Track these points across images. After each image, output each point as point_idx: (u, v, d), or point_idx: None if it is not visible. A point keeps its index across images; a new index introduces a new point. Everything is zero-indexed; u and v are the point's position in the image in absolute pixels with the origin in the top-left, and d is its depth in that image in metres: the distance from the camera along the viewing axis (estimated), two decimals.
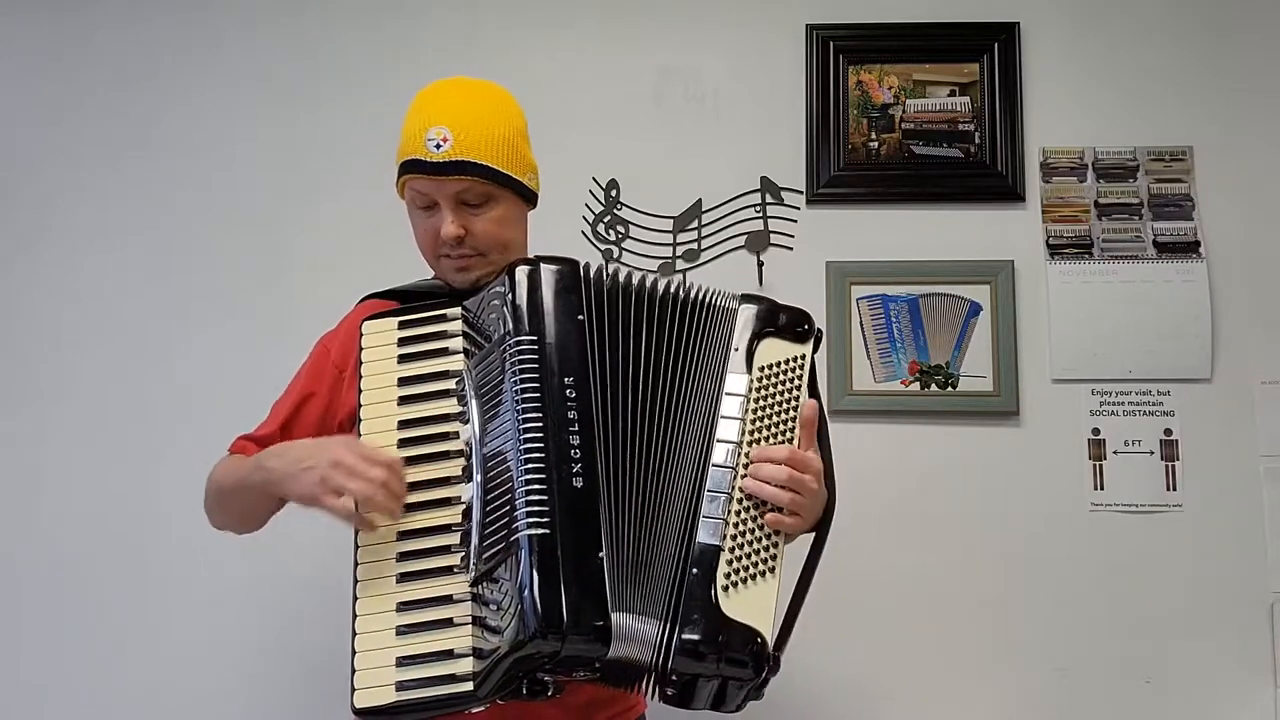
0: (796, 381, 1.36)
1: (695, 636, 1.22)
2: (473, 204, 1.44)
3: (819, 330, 1.42)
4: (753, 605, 1.24)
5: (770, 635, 1.24)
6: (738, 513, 1.29)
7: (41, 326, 2.24)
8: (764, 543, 1.28)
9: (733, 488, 1.30)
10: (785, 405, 1.35)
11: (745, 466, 1.31)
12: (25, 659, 2.15)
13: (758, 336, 1.38)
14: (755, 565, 1.27)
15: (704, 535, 1.27)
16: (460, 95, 1.48)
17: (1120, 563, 2.07)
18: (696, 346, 1.37)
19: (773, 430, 1.33)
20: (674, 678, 1.23)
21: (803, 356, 1.38)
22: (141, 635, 2.14)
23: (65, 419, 2.21)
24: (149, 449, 2.18)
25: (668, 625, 1.23)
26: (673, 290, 1.39)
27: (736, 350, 1.37)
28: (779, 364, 1.37)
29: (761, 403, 1.34)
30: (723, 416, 1.33)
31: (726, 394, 1.34)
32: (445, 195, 1.42)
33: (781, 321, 1.40)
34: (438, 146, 1.41)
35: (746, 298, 1.42)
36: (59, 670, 2.14)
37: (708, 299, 1.40)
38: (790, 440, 1.33)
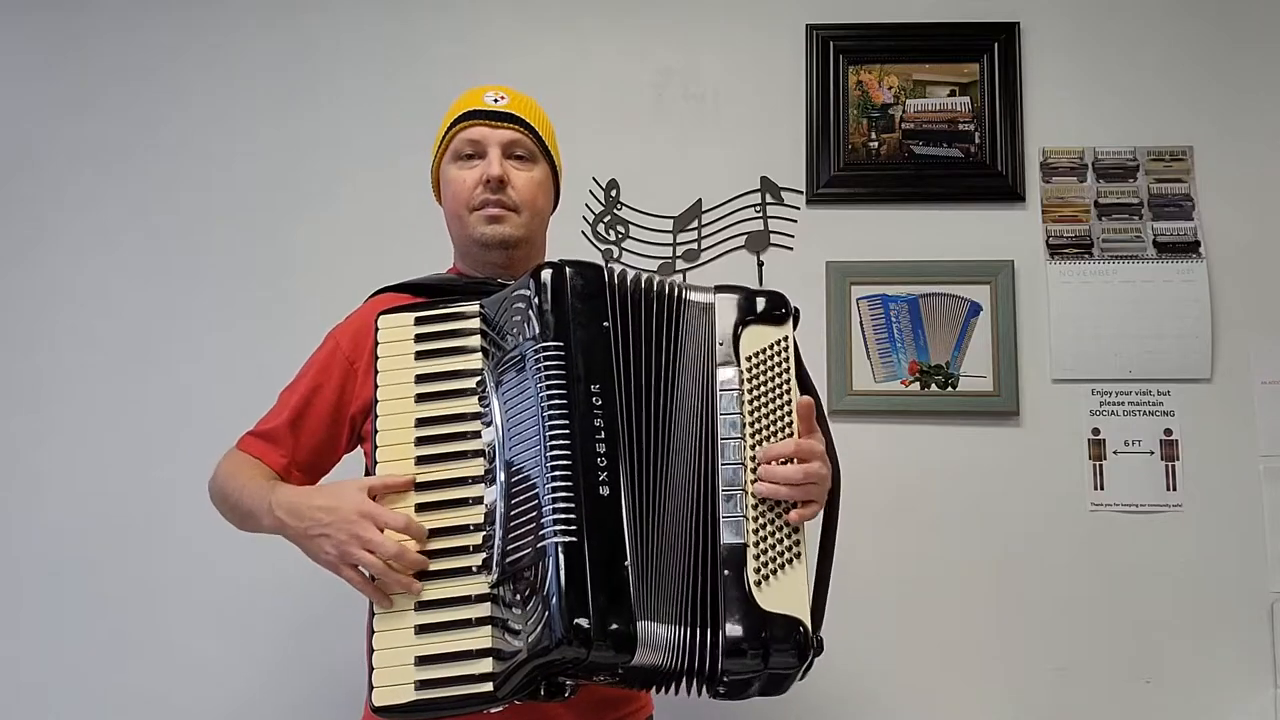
0: (785, 365, 1.37)
1: (739, 635, 1.24)
2: (520, 157, 1.53)
3: (795, 309, 1.42)
4: (787, 594, 1.27)
5: (808, 619, 1.27)
6: (755, 506, 1.30)
7: (42, 327, 2.24)
8: (786, 530, 1.31)
9: (746, 482, 1.31)
10: (779, 391, 1.36)
11: (753, 459, 1.32)
12: (25, 660, 2.14)
13: (740, 326, 1.38)
14: (782, 554, 1.29)
15: (728, 535, 1.28)
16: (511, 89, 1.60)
17: (1120, 563, 2.07)
18: (686, 344, 1.37)
19: (772, 419, 1.34)
20: (725, 678, 1.25)
21: (785, 339, 1.39)
22: (144, 637, 2.13)
23: (66, 419, 2.20)
24: (150, 450, 2.18)
25: (703, 629, 1.24)
26: (661, 288, 1.39)
27: (721, 344, 1.37)
28: (765, 350, 1.38)
29: (756, 392, 1.35)
30: (722, 413, 1.34)
31: (721, 389, 1.35)
32: (497, 141, 1.52)
33: (760, 307, 1.40)
34: (496, 101, 1.54)
35: (720, 288, 1.42)
36: (59, 672, 2.13)
37: (690, 295, 1.40)
38: (790, 424, 1.35)
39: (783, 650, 1.25)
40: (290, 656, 2.12)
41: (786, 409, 1.35)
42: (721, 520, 1.29)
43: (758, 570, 1.27)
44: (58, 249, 2.26)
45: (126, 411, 2.20)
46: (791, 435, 1.35)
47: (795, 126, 2.21)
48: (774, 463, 1.32)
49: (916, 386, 2.13)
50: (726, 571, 1.27)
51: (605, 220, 2.21)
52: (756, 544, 1.28)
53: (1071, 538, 2.08)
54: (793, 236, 2.19)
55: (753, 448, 1.33)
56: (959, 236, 2.16)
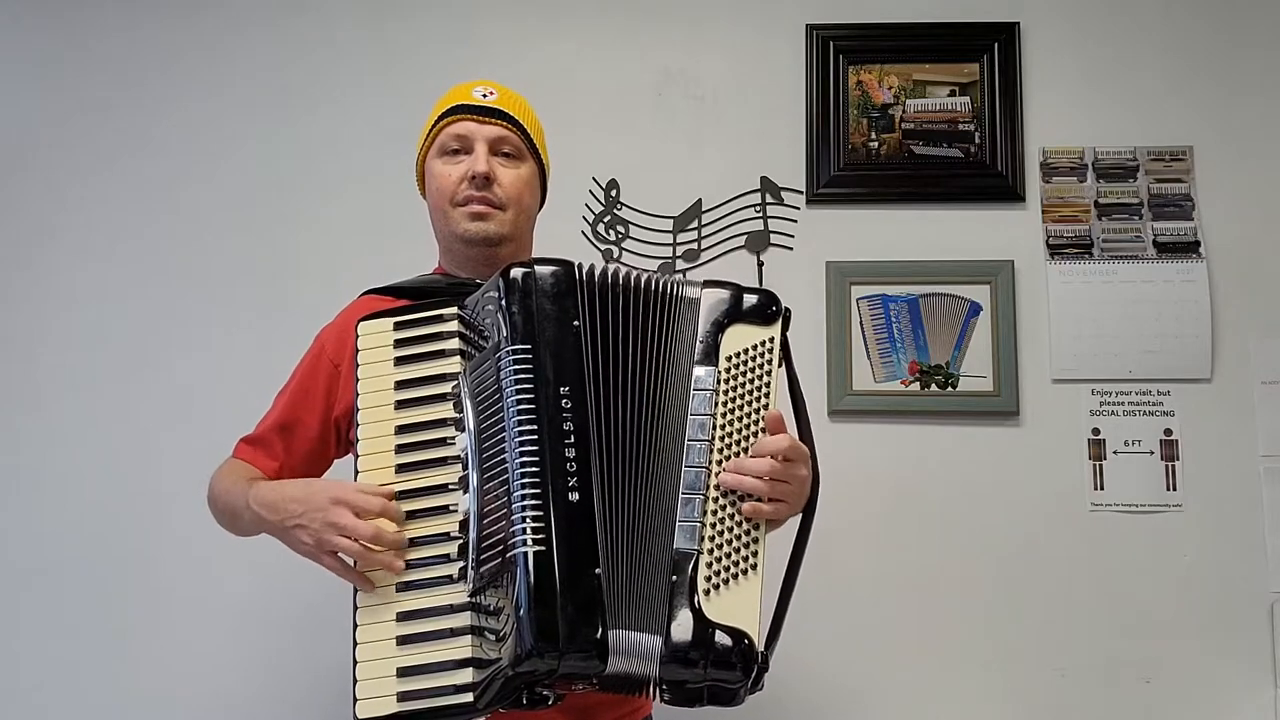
0: (767, 366, 1.33)
1: (681, 643, 1.21)
2: (506, 154, 1.52)
3: (786, 309, 1.37)
4: (737, 606, 1.24)
5: (758, 633, 1.24)
6: (714, 512, 1.27)
7: (43, 328, 2.24)
8: (743, 540, 1.27)
9: (708, 487, 1.28)
10: (757, 393, 1.32)
11: (719, 463, 1.28)
12: (25, 660, 2.15)
13: (723, 323, 1.34)
14: (736, 564, 1.26)
15: (681, 540, 1.25)
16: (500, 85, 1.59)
17: (1120, 563, 2.07)
18: (667, 341, 1.33)
19: (745, 424, 1.31)
20: (664, 686, 1.24)
21: (771, 339, 1.34)
22: (142, 641, 2.13)
23: (66, 419, 2.20)
24: (150, 449, 2.18)
25: (652, 635, 1.22)
26: (647, 284, 1.35)
27: (702, 341, 1.33)
28: (747, 350, 1.34)
29: (732, 394, 1.31)
30: (691, 413, 1.30)
31: (695, 389, 1.31)
32: (485, 137, 1.51)
33: (746, 305, 1.36)
34: (485, 96, 1.52)
35: (709, 283, 1.38)
36: (58, 671, 2.14)
37: (675, 289, 1.36)
38: (761, 428, 1.31)
39: (724, 663, 1.21)
40: (288, 656, 2.12)
41: (762, 415, 1.32)
42: (677, 524, 1.26)
43: (708, 579, 1.24)
44: (58, 249, 2.27)
45: (127, 412, 2.20)
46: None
47: (795, 126, 2.21)
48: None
49: (916, 386, 2.13)
50: (675, 577, 1.23)
51: (605, 220, 2.21)
52: (710, 551, 1.25)
53: (1071, 538, 2.08)
54: (793, 236, 2.19)
55: (719, 451, 1.29)
56: (959, 236, 2.16)
